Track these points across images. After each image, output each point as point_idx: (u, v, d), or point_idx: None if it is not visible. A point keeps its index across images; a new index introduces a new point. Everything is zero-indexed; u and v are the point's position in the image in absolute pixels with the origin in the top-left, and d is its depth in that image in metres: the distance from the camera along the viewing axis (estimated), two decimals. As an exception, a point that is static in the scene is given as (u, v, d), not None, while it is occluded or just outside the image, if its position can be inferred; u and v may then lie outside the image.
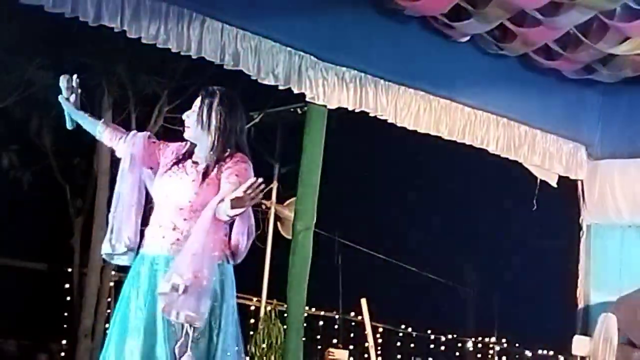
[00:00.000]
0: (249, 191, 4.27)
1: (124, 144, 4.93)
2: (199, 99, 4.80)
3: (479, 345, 21.90)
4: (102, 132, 5.06)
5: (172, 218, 4.66)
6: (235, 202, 4.30)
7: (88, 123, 5.16)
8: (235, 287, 4.71)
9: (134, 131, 5.02)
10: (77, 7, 5.67)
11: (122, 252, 4.81)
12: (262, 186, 4.30)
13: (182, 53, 6.34)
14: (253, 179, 4.29)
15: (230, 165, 4.64)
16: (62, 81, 5.06)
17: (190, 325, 4.45)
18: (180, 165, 4.76)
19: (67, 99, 5.10)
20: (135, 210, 4.83)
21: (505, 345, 21.73)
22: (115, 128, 5.11)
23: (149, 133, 5.00)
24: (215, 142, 4.72)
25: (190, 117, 4.78)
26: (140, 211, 4.85)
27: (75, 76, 5.05)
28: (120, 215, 4.85)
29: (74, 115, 5.14)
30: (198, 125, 4.75)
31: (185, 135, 4.81)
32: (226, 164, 4.66)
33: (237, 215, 4.41)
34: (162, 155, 4.88)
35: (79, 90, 5.07)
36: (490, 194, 15.87)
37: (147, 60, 12.16)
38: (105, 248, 4.84)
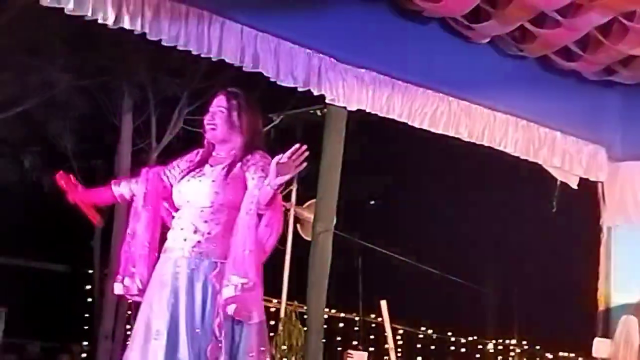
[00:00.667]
0: (293, 157, 4.29)
1: (139, 185, 4.95)
2: (221, 100, 4.85)
3: (500, 347, 21.87)
4: (119, 190, 5.07)
5: (193, 221, 4.67)
6: (281, 168, 4.31)
7: (103, 194, 5.16)
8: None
9: (146, 169, 5.03)
10: (97, 9, 5.69)
11: (134, 293, 4.81)
12: (307, 153, 4.33)
13: (202, 55, 6.35)
14: (297, 145, 4.31)
15: (255, 162, 4.69)
16: (60, 182, 5.02)
17: (216, 331, 4.46)
18: (198, 169, 4.80)
19: (76, 194, 5.05)
20: (149, 248, 4.83)
21: (525, 347, 21.69)
22: (127, 178, 5.14)
23: (163, 168, 4.99)
24: (247, 142, 4.78)
25: (216, 117, 4.80)
26: (155, 247, 4.84)
27: (72, 175, 5.02)
28: (134, 253, 4.84)
29: (89, 200, 5.10)
30: (225, 125, 4.79)
31: (209, 136, 4.85)
32: (249, 162, 4.70)
33: (282, 183, 4.40)
34: (178, 167, 4.92)
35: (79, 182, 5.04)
36: (510, 195, 15.84)
37: (167, 62, 12.21)
38: (118, 289, 4.85)
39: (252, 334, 4.55)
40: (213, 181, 4.68)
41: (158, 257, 4.76)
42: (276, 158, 4.35)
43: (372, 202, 16.99)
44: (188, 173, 4.81)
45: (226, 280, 4.46)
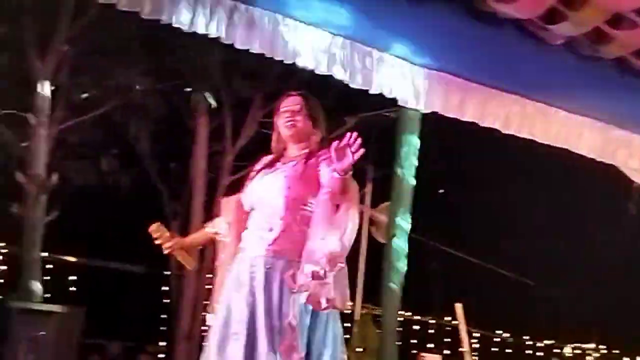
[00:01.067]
0: (348, 143, 4.39)
1: (223, 215, 5.05)
2: (296, 99, 4.95)
3: (577, 351, 21.63)
4: (214, 229, 5.12)
5: (267, 219, 4.70)
6: (338, 154, 4.40)
7: (199, 238, 5.27)
8: None
9: (224, 199, 5.12)
10: (172, 13, 5.75)
11: None
12: (359, 140, 4.40)
13: (275, 58, 6.37)
14: (349, 134, 4.42)
15: (326, 157, 4.66)
16: (155, 234, 5.08)
17: (291, 329, 4.48)
18: (270, 168, 4.85)
19: (171, 245, 5.11)
20: None
21: (603, 351, 21.42)
22: (216, 217, 5.17)
23: (240, 195, 5.02)
24: (325, 137, 4.88)
25: (297, 115, 4.87)
26: None
27: (160, 225, 5.09)
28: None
29: (185, 247, 5.16)
30: (306, 122, 4.88)
31: (289, 132, 4.89)
32: (321, 158, 4.74)
33: (345, 170, 4.45)
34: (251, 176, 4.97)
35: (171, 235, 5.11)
36: (586, 198, 15.66)
37: (242, 65, 12.29)
38: (211, 319, 4.86)
39: (328, 333, 4.59)
40: (286, 177, 4.73)
41: None
42: (334, 144, 4.40)
43: (442, 191, 16.95)
44: (259, 172, 4.87)
45: (300, 270, 4.49)
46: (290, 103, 4.92)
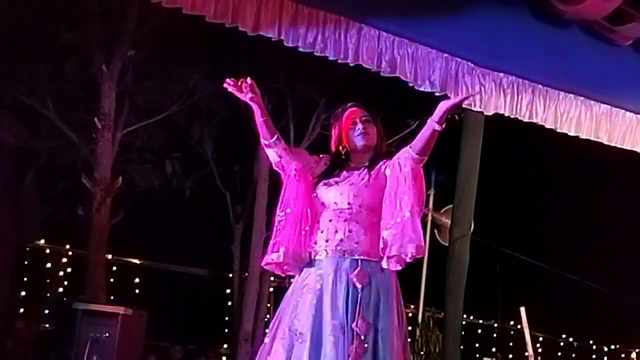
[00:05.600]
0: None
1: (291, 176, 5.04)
2: (363, 112, 5.00)
3: (644, 356, 21.35)
4: (275, 149, 5.15)
5: (333, 222, 4.77)
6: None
7: (268, 129, 5.31)
8: (399, 292, 4.74)
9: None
10: (237, 17, 5.78)
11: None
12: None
13: (339, 61, 6.37)
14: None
15: (388, 160, 4.82)
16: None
17: (359, 331, 4.49)
18: (336, 173, 4.90)
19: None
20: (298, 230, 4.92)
21: (671, 356, 21.13)
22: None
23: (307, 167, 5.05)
24: (385, 146, 5.03)
25: (367, 125, 4.95)
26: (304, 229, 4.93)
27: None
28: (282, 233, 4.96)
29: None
30: (376, 134, 4.97)
31: (363, 142, 4.93)
32: (386, 163, 4.83)
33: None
34: (319, 170, 4.97)
35: None
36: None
37: (306, 68, 12.29)
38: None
39: (394, 338, 4.59)
40: (352, 184, 4.79)
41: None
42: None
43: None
44: (326, 177, 4.88)
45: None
46: (360, 114, 4.98)
